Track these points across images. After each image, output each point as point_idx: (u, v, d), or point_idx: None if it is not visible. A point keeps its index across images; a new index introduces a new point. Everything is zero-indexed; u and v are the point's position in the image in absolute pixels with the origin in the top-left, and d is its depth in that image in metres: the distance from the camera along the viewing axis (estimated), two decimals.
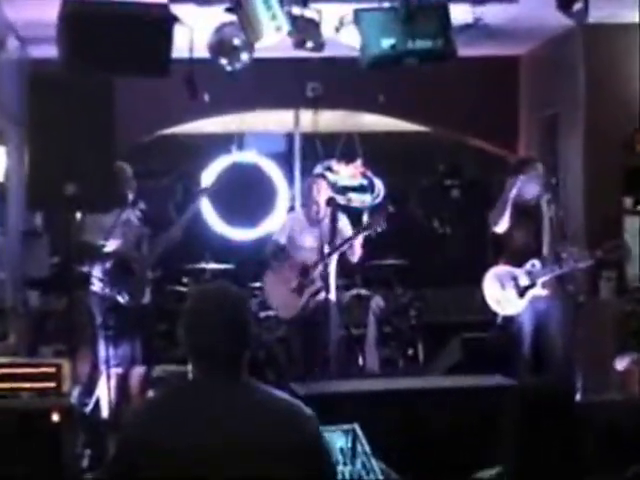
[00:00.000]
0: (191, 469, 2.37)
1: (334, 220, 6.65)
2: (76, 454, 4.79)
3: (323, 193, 6.82)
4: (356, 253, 6.66)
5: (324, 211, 6.75)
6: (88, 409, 5.59)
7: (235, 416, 2.43)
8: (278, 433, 2.43)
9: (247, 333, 2.54)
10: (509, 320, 6.34)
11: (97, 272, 5.81)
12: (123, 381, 5.94)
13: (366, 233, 6.55)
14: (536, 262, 6.22)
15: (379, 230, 6.51)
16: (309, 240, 6.77)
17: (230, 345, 2.49)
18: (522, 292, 6.24)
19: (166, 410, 2.49)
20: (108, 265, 5.77)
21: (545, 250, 6.23)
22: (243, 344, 2.52)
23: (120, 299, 5.80)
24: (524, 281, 6.23)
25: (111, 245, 5.83)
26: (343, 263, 6.81)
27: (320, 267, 6.55)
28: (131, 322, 5.81)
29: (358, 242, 6.61)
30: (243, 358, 2.52)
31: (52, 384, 4.67)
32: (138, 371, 6.03)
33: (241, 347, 2.52)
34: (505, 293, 6.28)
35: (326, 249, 6.53)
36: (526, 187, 6.27)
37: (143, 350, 5.95)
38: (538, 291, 6.22)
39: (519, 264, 6.26)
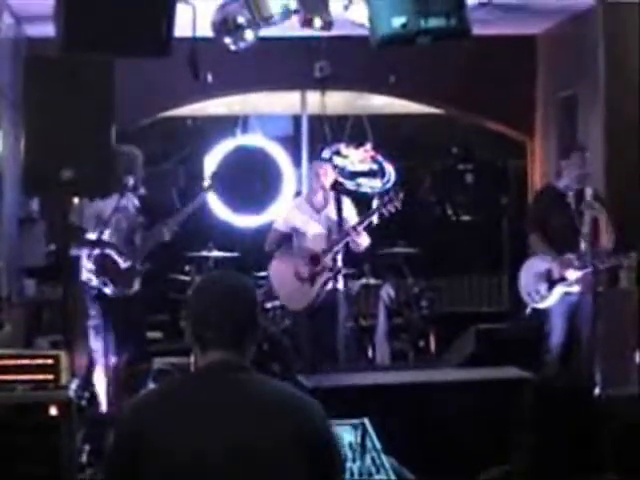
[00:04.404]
0: (191, 460, 2.34)
1: (339, 204, 6.59)
2: (75, 449, 4.67)
3: (329, 177, 6.73)
4: (362, 241, 6.46)
5: (329, 196, 6.68)
6: (87, 403, 5.46)
7: (238, 406, 2.40)
8: (282, 423, 2.39)
9: (252, 322, 2.50)
10: (536, 312, 6.29)
11: (85, 260, 5.76)
12: (118, 374, 5.90)
13: (380, 212, 6.43)
14: (572, 257, 6.13)
15: (393, 210, 6.40)
16: (314, 227, 6.66)
17: (234, 335, 2.46)
18: (551, 285, 6.16)
19: (166, 401, 2.47)
20: (95, 253, 5.72)
21: (582, 245, 6.14)
22: (248, 333, 2.49)
23: (106, 290, 5.76)
24: (555, 274, 6.15)
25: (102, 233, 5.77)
26: (351, 251, 6.69)
27: (330, 254, 6.43)
28: (118, 313, 5.77)
29: (362, 235, 6.46)
30: (248, 348, 2.50)
31: (50, 376, 4.53)
32: (125, 363, 5.96)
33: (246, 336, 2.49)
34: (536, 286, 6.23)
35: (334, 235, 6.46)
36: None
37: (132, 342, 5.91)
38: (570, 286, 6.15)
39: (557, 251, 6.20)
